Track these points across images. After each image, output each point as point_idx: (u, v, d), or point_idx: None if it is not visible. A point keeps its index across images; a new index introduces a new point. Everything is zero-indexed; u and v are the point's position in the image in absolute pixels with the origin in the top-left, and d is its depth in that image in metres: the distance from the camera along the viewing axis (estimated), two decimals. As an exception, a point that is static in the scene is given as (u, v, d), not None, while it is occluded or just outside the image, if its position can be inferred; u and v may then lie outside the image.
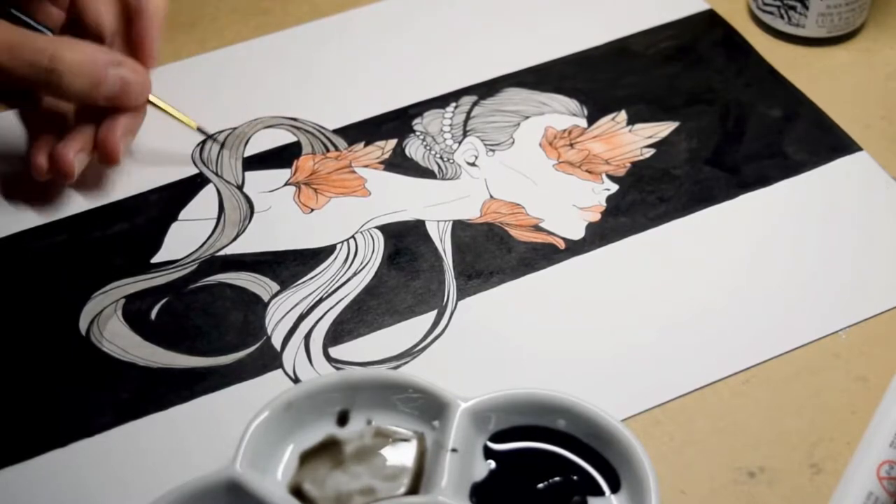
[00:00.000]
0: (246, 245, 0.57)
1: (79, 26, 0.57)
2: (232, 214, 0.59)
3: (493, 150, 0.62)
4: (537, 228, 0.58)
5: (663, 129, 0.62)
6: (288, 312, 0.54)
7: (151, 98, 0.59)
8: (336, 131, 0.63)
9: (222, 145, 0.58)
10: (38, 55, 0.53)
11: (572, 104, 0.64)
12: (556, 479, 0.47)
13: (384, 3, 0.70)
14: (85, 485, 0.49)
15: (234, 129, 0.63)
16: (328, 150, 0.62)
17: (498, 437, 0.48)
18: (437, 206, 0.59)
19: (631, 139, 0.62)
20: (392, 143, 0.62)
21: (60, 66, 0.54)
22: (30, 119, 0.60)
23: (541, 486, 0.47)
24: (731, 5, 0.69)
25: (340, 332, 0.54)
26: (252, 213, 0.59)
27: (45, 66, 0.53)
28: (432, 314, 0.54)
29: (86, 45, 0.55)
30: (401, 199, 0.59)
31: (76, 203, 0.60)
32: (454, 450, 0.46)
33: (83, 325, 0.54)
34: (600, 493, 0.47)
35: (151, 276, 0.56)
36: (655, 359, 0.52)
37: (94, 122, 0.58)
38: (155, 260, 0.57)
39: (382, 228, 0.58)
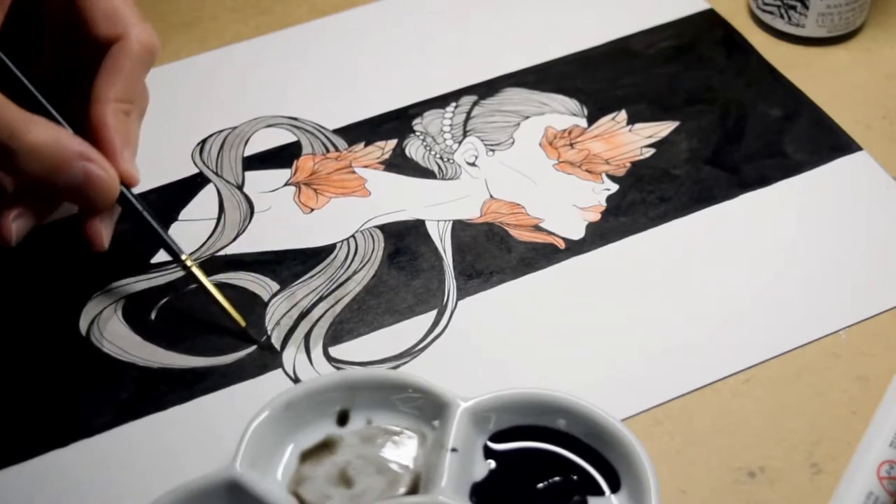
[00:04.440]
0: (246, 245, 0.57)
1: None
2: (232, 214, 0.59)
3: (493, 150, 0.62)
4: (537, 228, 0.58)
5: (663, 128, 0.62)
6: (288, 311, 0.54)
7: (201, 278, 0.53)
8: (336, 131, 0.63)
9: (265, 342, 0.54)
10: None
11: (572, 104, 0.64)
12: (556, 479, 0.47)
13: (384, 3, 0.70)
14: (85, 485, 0.49)
15: (234, 128, 0.63)
16: (328, 151, 0.62)
17: (498, 437, 0.48)
18: (437, 206, 0.59)
19: (631, 139, 0.62)
20: (392, 143, 0.62)
21: (17, 144, 0.48)
22: None
23: (541, 486, 0.47)
24: (731, 5, 0.69)
25: (340, 331, 0.54)
26: (252, 213, 0.59)
27: (2, 142, 0.47)
28: (432, 314, 0.54)
29: (56, 129, 0.49)
30: (401, 199, 0.59)
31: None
32: (454, 450, 0.46)
33: (83, 326, 0.54)
34: (600, 493, 0.47)
35: (151, 276, 0.56)
36: (655, 359, 0.52)
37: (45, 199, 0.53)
38: (155, 260, 0.57)
39: (382, 228, 0.58)
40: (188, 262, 0.53)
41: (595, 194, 0.59)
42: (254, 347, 0.53)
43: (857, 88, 0.64)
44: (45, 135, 0.48)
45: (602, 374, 0.52)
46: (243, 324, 0.53)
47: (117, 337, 0.54)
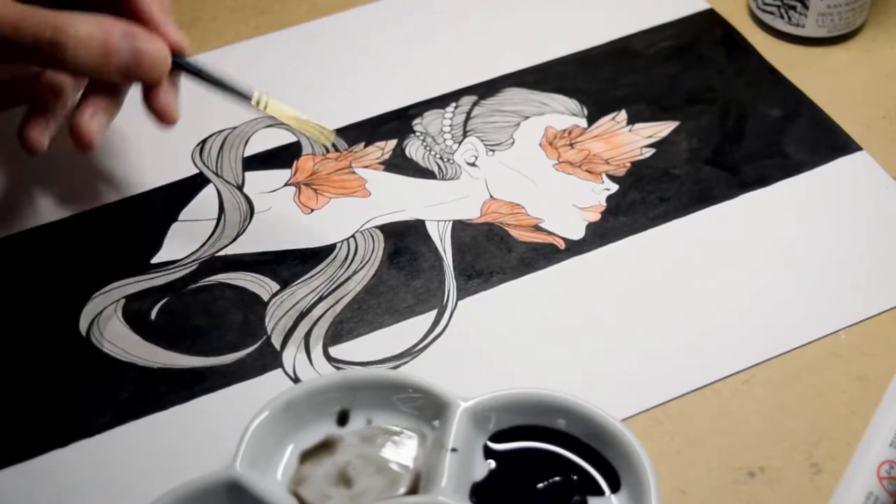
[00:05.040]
0: (246, 245, 0.57)
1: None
2: (232, 215, 0.59)
3: (493, 150, 0.62)
4: (537, 228, 0.58)
5: (663, 128, 0.62)
6: (288, 311, 0.54)
7: (272, 110, 0.55)
8: (336, 131, 0.63)
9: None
10: (41, 29, 0.50)
11: (572, 104, 0.64)
12: (556, 479, 0.47)
13: (384, 3, 0.70)
14: (85, 485, 0.49)
15: (234, 128, 0.63)
16: (328, 151, 0.62)
17: (498, 437, 0.48)
18: (437, 206, 0.59)
19: (631, 139, 0.62)
20: (392, 143, 0.62)
21: (65, 38, 0.50)
22: (30, 97, 0.56)
23: (541, 486, 0.47)
24: (731, 5, 0.69)
25: (340, 331, 0.54)
26: (252, 213, 0.59)
27: (49, 39, 0.50)
28: (432, 314, 0.54)
29: (94, 16, 0.51)
30: (401, 199, 0.59)
31: (76, 203, 0.60)
32: (454, 450, 0.46)
33: (83, 326, 0.54)
34: (600, 493, 0.47)
35: (151, 276, 0.56)
36: (655, 359, 0.52)
37: (107, 92, 0.54)
38: (155, 260, 0.57)
39: (382, 228, 0.58)
40: (263, 99, 0.54)
41: (595, 194, 0.59)
42: (254, 347, 0.53)
43: (857, 88, 0.64)
44: (87, 23, 0.50)
45: (602, 374, 0.52)
46: (331, 139, 0.55)
47: (117, 337, 0.54)
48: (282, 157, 0.62)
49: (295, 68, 0.67)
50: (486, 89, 0.65)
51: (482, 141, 0.62)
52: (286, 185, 0.60)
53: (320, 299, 0.55)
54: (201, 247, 0.58)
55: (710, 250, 0.57)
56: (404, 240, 0.57)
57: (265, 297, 0.55)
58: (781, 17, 0.66)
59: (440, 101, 0.64)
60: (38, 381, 0.53)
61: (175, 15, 0.65)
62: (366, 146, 0.62)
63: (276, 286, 0.55)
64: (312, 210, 0.59)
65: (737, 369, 0.52)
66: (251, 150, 0.62)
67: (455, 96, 0.64)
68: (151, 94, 0.54)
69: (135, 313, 0.55)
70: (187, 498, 0.46)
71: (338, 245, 0.57)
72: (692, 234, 0.57)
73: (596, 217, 0.58)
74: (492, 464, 0.48)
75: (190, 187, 0.60)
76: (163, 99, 0.54)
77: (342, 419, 0.49)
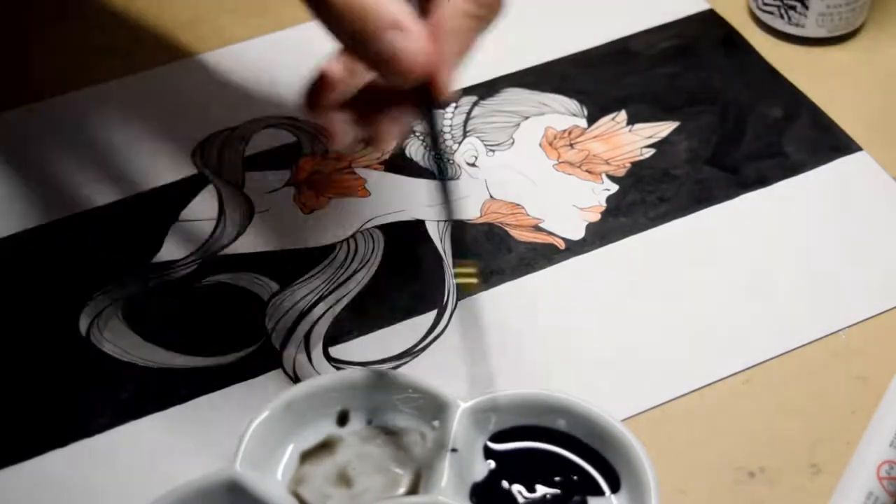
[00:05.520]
0: (246, 245, 0.57)
1: None
2: (232, 215, 0.59)
3: (493, 151, 0.62)
4: (537, 228, 0.58)
5: (663, 128, 0.62)
6: (288, 311, 0.54)
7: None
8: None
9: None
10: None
11: (572, 104, 0.64)
12: (556, 479, 0.47)
13: (384, 3, 0.70)
14: (85, 485, 0.49)
15: (234, 129, 0.63)
16: (328, 151, 0.62)
17: (498, 437, 0.48)
18: (437, 207, 0.59)
19: (631, 139, 0.62)
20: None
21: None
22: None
23: (541, 486, 0.47)
24: (731, 5, 0.69)
25: (340, 331, 0.54)
26: (252, 213, 0.59)
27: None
28: (432, 314, 0.54)
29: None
30: (401, 199, 0.59)
31: (76, 203, 0.60)
32: (454, 450, 0.46)
33: (83, 326, 0.54)
34: (600, 493, 0.47)
35: (152, 276, 0.56)
36: (655, 359, 0.52)
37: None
38: (155, 260, 0.57)
39: (382, 228, 0.58)
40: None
41: (595, 194, 0.59)
42: (254, 347, 0.53)
43: (857, 88, 0.64)
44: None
45: (602, 374, 0.52)
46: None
47: (117, 337, 0.54)
48: (282, 156, 0.62)
49: (295, 68, 0.67)
50: (485, 89, 0.65)
51: (482, 141, 0.62)
52: (286, 185, 0.60)
53: (320, 299, 0.55)
54: (201, 247, 0.57)
55: (710, 250, 0.57)
56: (404, 240, 0.57)
57: (265, 297, 0.55)
58: (781, 17, 0.66)
59: (440, 102, 0.64)
60: (38, 381, 0.53)
61: (175, 15, 0.65)
62: (366, 146, 0.62)
63: (276, 286, 0.55)
64: (312, 210, 0.59)
65: (737, 369, 0.52)
66: (251, 150, 0.62)
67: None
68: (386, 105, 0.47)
69: (135, 313, 0.55)
70: (187, 498, 0.46)
71: (338, 245, 0.57)
72: (692, 234, 0.57)
73: (596, 217, 0.58)
74: (492, 464, 0.48)
75: (190, 187, 0.60)
76: (386, 126, 0.48)
77: (342, 419, 0.49)
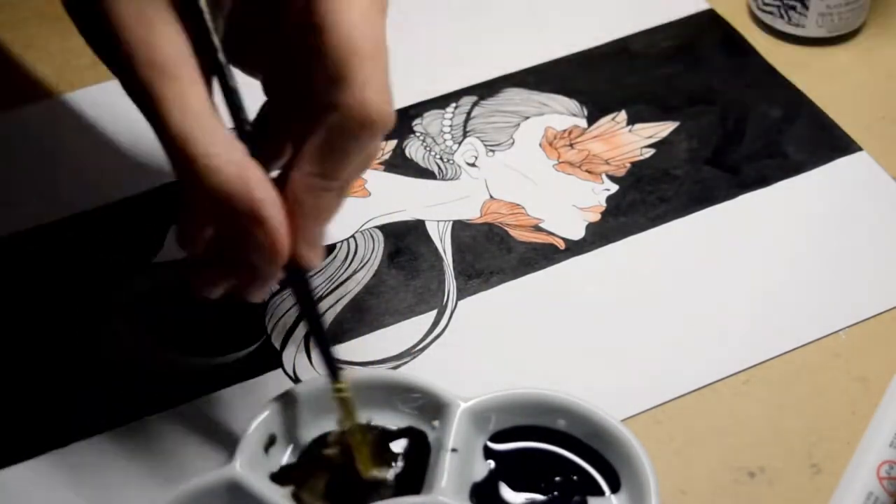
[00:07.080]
0: (246, 245, 0.57)
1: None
2: (232, 214, 0.59)
3: (493, 151, 0.62)
4: (537, 228, 0.58)
5: (663, 129, 0.62)
6: (288, 311, 0.54)
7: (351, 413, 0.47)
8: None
9: None
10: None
11: (572, 104, 0.64)
12: (556, 479, 0.47)
13: (384, 4, 0.70)
14: (84, 485, 0.49)
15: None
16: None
17: (498, 437, 0.48)
18: (437, 206, 0.59)
19: (631, 139, 0.62)
20: (392, 143, 0.62)
21: (196, 168, 0.43)
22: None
23: (541, 486, 0.47)
24: (731, 5, 0.69)
25: (340, 331, 0.54)
26: (252, 213, 0.59)
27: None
28: (432, 314, 0.54)
29: (243, 165, 0.42)
30: (401, 199, 0.59)
31: (76, 203, 0.60)
32: (454, 450, 0.46)
33: (83, 326, 0.54)
34: (600, 493, 0.47)
35: (152, 276, 0.56)
36: (655, 359, 0.52)
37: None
38: (157, 259, 0.57)
39: (382, 228, 0.58)
40: (341, 389, 0.47)
41: (595, 194, 0.59)
42: (254, 347, 0.53)
43: (857, 88, 0.64)
44: (230, 169, 0.41)
45: (602, 374, 0.52)
46: (368, 474, 0.48)
47: (117, 337, 0.54)
48: (282, 157, 0.61)
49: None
50: (486, 89, 0.65)
51: (482, 141, 0.62)
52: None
53: (320, 299, 0.55)
54: (201, 247, 0.57)
55: (710, 250, 0.57)
56: (404, 240, 0.57)
57: (265, 297, 0.55)
58: (781, 17, 0.66)
59: (440, 102, 0.64)
60: (39, 381, 0.53)
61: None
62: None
63: (275, 286, 0.55)
64: (312, 210, 0.59)
65: (737, 369, 0.52)
66: (251, 150, 0.62)
67: (455, 96, 0.64)
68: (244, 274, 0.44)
69: (135, 313, 0.55)
70: (187, 498, 0.46)
71: (338, 245, 0.57)
72: (692, 234, 0.57)
73: (596, 217, 0.58)
74: (492, 464, 0.48)
75: (190, 187, 0.60)
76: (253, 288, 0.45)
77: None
